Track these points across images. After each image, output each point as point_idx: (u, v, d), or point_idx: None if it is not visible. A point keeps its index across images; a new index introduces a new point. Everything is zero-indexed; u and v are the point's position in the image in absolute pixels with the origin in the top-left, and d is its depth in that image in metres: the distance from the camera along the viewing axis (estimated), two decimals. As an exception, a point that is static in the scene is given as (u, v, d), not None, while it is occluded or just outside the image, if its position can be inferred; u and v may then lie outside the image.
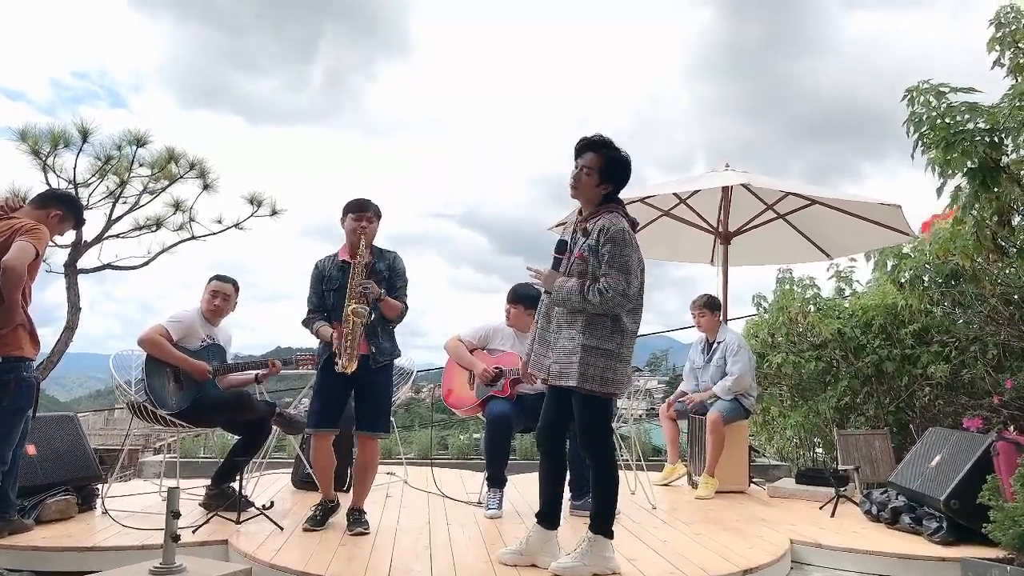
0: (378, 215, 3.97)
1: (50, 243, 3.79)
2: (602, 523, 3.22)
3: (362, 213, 3.90)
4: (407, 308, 4.00)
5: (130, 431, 5.20)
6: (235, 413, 4.47)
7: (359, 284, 3.76)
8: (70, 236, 7.42)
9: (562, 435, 3.41)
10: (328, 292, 3.93)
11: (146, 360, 4.34)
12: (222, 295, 4.61)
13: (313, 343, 4.10)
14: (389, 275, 3.95)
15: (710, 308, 5.70)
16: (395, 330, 4.03)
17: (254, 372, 4.76)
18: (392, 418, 6.18)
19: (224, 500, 4.18)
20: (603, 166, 3.19)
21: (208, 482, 4.48)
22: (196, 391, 4.38)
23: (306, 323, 4.00)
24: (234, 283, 4.68)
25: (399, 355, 4.02)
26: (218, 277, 4.66)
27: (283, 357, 4.80)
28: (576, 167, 3.23)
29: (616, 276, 3.08)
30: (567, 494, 4.43)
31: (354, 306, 3.72)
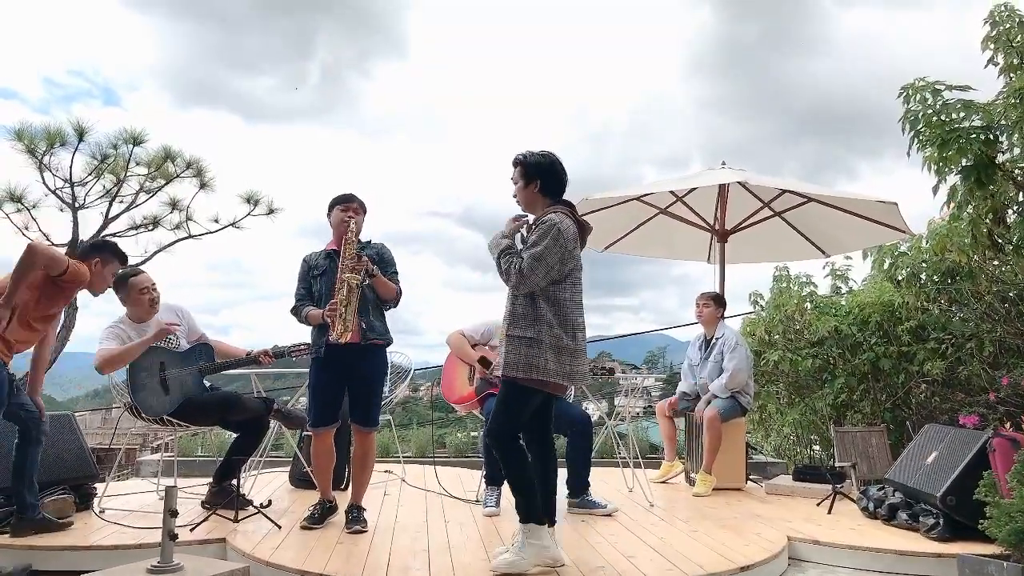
0: (363, 208, 4.03)
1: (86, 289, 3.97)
2: (523, 510, 3.22)
3: (348, 204, 3.97)
4: (401, 293, 4.01)
5: (127, 431, 5.20)
6: (225, 413, 4.45)
7: (352, 256, 3.78)
8: (66, 236, 7.43)
9: (540, 432, 3.44)
10: (315, 278, 3.98)
11: (129, 366, 4.32)
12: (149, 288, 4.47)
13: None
14: (379, 261, 3.98)
15: (716, 301, 5.75)
16: (393, 335, 4.05)
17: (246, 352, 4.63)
18: (390, 416, 6.19)
19: (226, 498, 4.18)
20: (523, 171, 3.38)
21: (205, 480, 4.48)
22: (183, 394, 4.37)
23: (295, 311, 4.01)
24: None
25: (391, 341, 4.02)
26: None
27: (275, 350, 4.60)
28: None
29: (525, 256, 3.17)
30: (564, 492, 4.45)
31: (349, 275, 3.74)
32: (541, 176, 3.35)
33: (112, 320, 4.48)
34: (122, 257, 4.18)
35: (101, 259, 3.98)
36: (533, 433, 3.43)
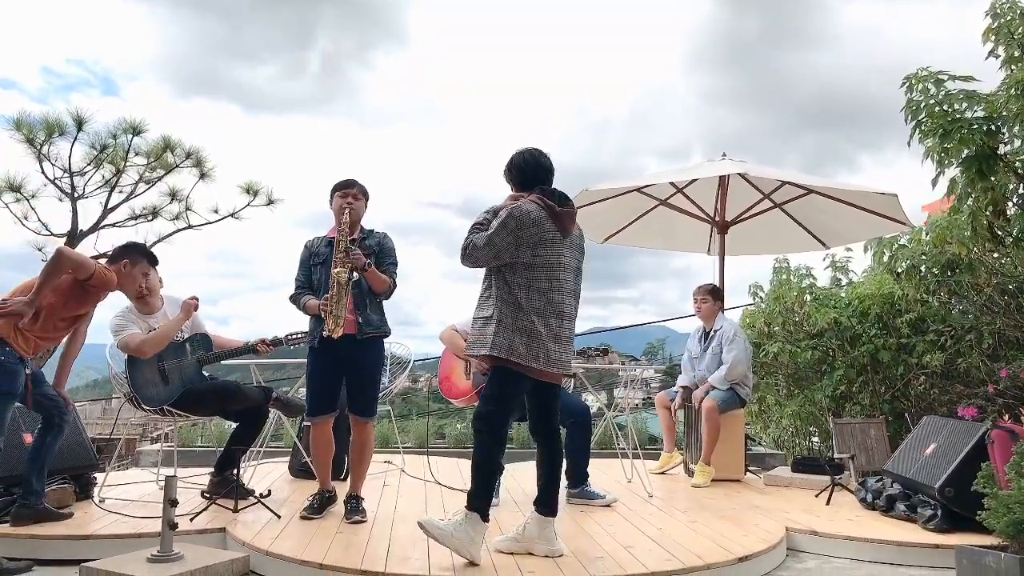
0: (364, 194, 4.01)
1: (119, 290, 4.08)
2: (474, 497, 3.22)
3: (348, 190, 3.97)
4: (395, 285, 4.00)
5: (127, 421, 5.21)
6: (225, 402, 4.45)
7: (345, 248, 3.78)
8: (65, 226, 7.43)
9: (546, 424, 3.45)
10: (315, 267, 3.97)
11: (128, 356, 4.32)
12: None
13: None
14: (378, 251, 3.97)
15: (713, 295, 5.73)
16: (391, 323, 4.04)
17: (245, 343, 4.61)
18: (390, 407, 6.19)
19: (226, 487, 4.18)
20: (509, 177, 3.53)
21: (205, 470, 4.48)
22: (182, 383, 4.37)
23: (293, 299, 4.01)
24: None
25: (388, 332, 4.01)
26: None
27: (272, 339, 4.56)
28: None
29: (479, 235, 3.28)
30: (563, 482, 4.46)
31: (339, 269, 3.74)
32: (510, 176, 3.50)
33: (118, 310, 4.47)
34: (151, 258, 4.24)
35: (130, 260, 4.05)
36: (539, 425, 3.45)
